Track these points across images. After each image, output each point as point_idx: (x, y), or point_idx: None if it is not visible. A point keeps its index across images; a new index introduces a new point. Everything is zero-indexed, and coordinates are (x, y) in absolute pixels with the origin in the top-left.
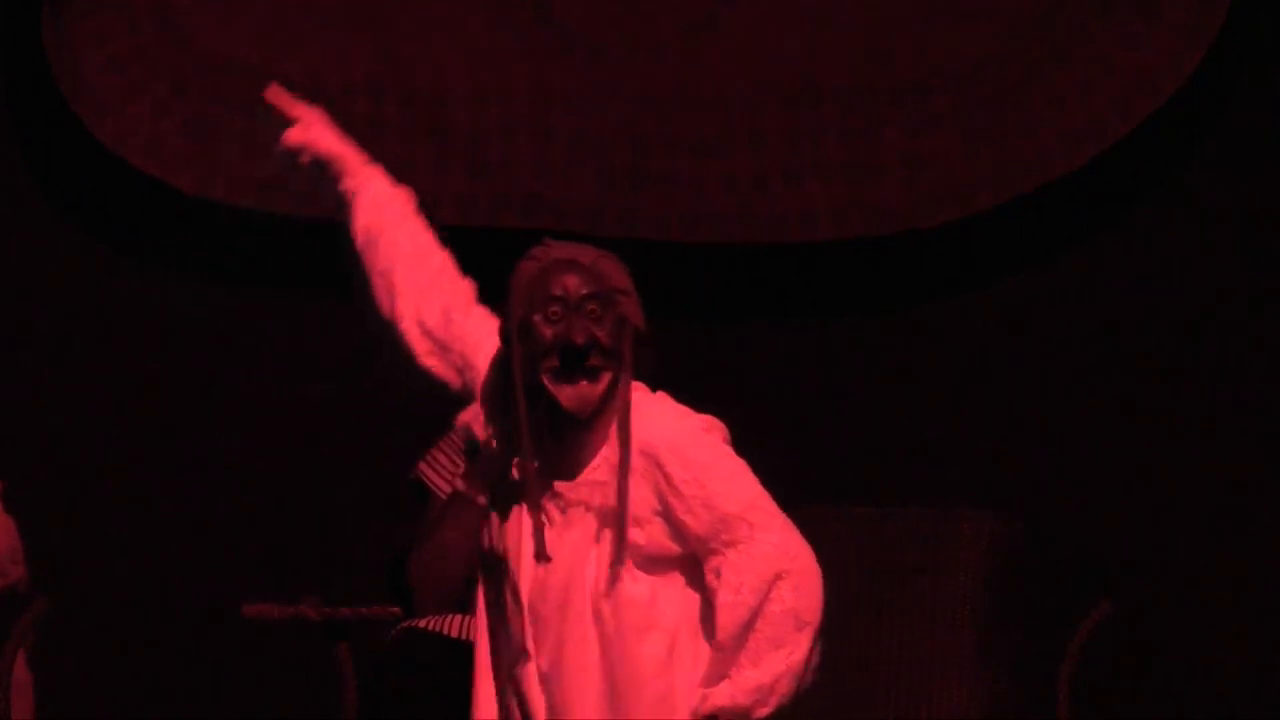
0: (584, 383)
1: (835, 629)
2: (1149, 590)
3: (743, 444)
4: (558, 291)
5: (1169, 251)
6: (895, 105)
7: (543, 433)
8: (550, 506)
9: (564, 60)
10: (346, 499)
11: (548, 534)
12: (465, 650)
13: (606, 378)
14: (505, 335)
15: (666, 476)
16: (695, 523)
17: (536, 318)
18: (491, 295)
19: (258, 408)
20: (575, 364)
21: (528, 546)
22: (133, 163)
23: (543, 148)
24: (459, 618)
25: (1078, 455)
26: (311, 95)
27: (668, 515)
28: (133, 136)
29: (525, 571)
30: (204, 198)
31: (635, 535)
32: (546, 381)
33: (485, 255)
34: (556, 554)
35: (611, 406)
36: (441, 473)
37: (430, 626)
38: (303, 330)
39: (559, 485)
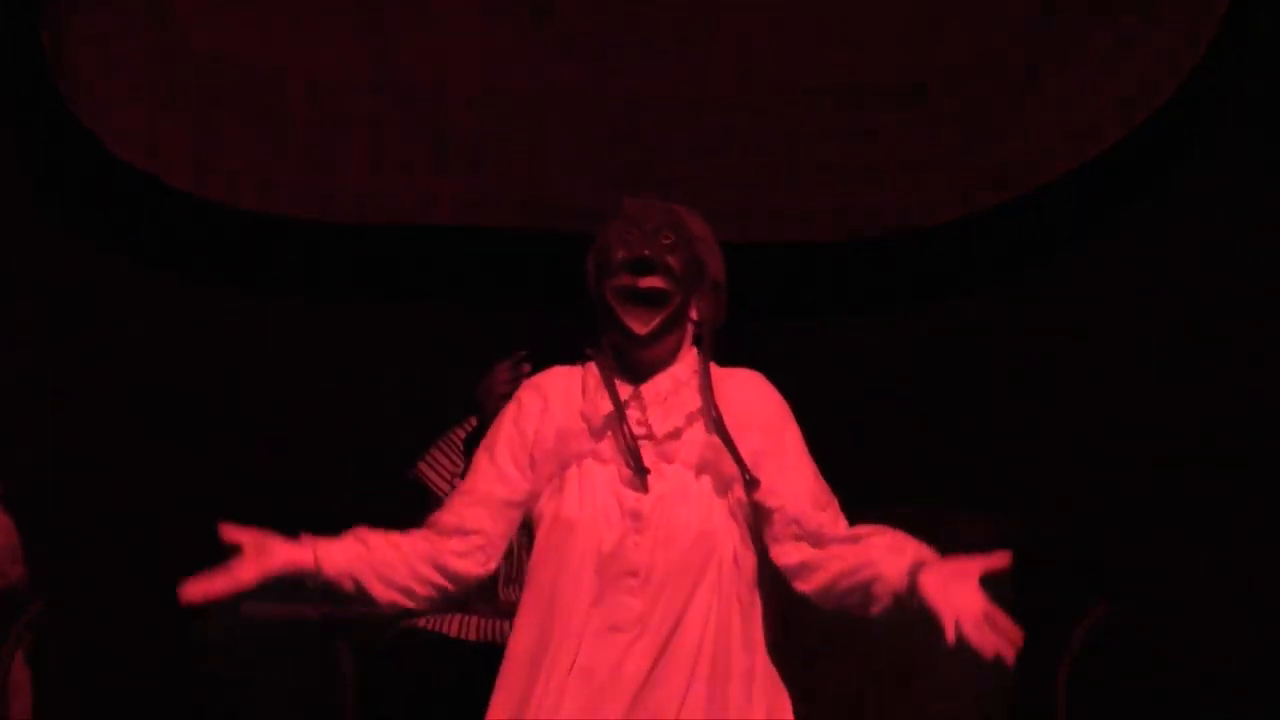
0: (646, 307)
1: (835, 628)
2: (1148, 591)
3: None
4: (635, 218)
5: (1169, 251)
6: (895, 105)
7: (616, 375)
8: (643, 455)
9: (564, 60)
10: (346, 498)
11: (647, 498)
12: (462, 648)
13: (672, 303)
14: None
15: (763, 429)
16: (773, 488)
17: (613, 239)
18: (490, 294)
19: (257, 407)
20: (643, 274)
21: (620, 501)
22: (131, 163)
23: (542, 148)
24: (457, 617)
25: (1078, 455)
26: (311, 95)
27: (751, 465)
28: (132, 136)
29: (620, 530)
30: (203, 197)
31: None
32: (613, 299)
33: (485, 255)
34: (660, 512)
35: (687, 347)
36: (441, 472)
37: (428, 626)
38: (302, 330)
39: (660, 433)
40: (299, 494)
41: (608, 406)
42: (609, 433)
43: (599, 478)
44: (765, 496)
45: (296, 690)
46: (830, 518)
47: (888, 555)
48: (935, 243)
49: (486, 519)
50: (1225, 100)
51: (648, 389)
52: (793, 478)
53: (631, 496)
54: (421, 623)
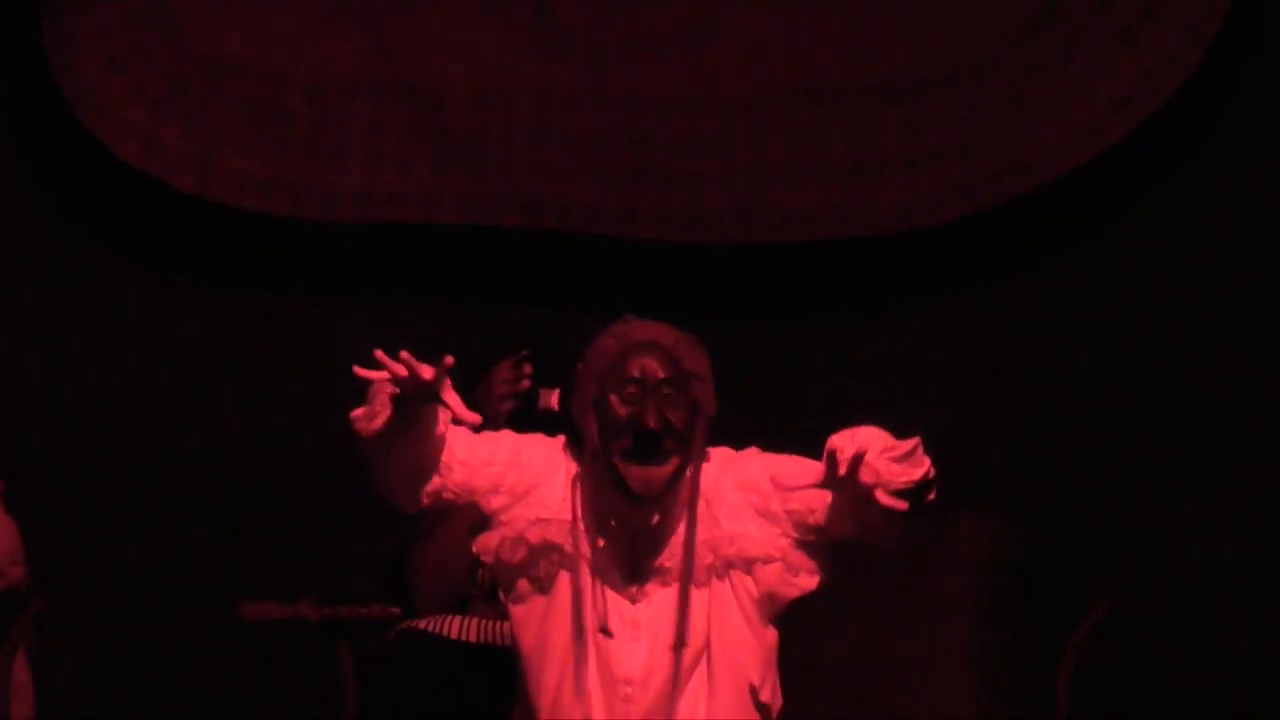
0: (652, 466)
1: (836, 628)
2: (1149, 590)
3: (742, 443)
4: (635, 373)
5: (1169, 251)
6: (895, 105)
7: (615, 508)
8: (640, 574)
9: (564, 60)
10: (346, 499)
11: (642, 606)
12: (463, 650)
13: (675, 461)
14: (579, 408)
15: (758, 485)
16: (799, 502)
17: (613, 397)
18: (490, 294)
19: (257, 407)
20: (648, 447)
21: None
22: (132, 163)
23: (543, 148)
24: (457, 618)
25: (1078, 455)
26: (312, 95)
27: (775, 513)
28: (132, 136)
29: (623, 648)
30: (203, 198)
31: (766, 575)
32: (617, 462)
33: (485, 255)
34: (658, 622)
35: (686, 481)
36: None
37: (429, 627)
38: (302, 330)
39: (658, 561)
40: (299, 494)
41: (607, 526)
42: (608, 549)
43: (598, 586)
44: (807, 519)
45: (296, 690)
46: None
47: None
48: (935, 243)
49: (455, 476)
50: (1227, 98)
51: (645, 512)
52: (800, 489)
53: (629, 608)
54: (422, 624)
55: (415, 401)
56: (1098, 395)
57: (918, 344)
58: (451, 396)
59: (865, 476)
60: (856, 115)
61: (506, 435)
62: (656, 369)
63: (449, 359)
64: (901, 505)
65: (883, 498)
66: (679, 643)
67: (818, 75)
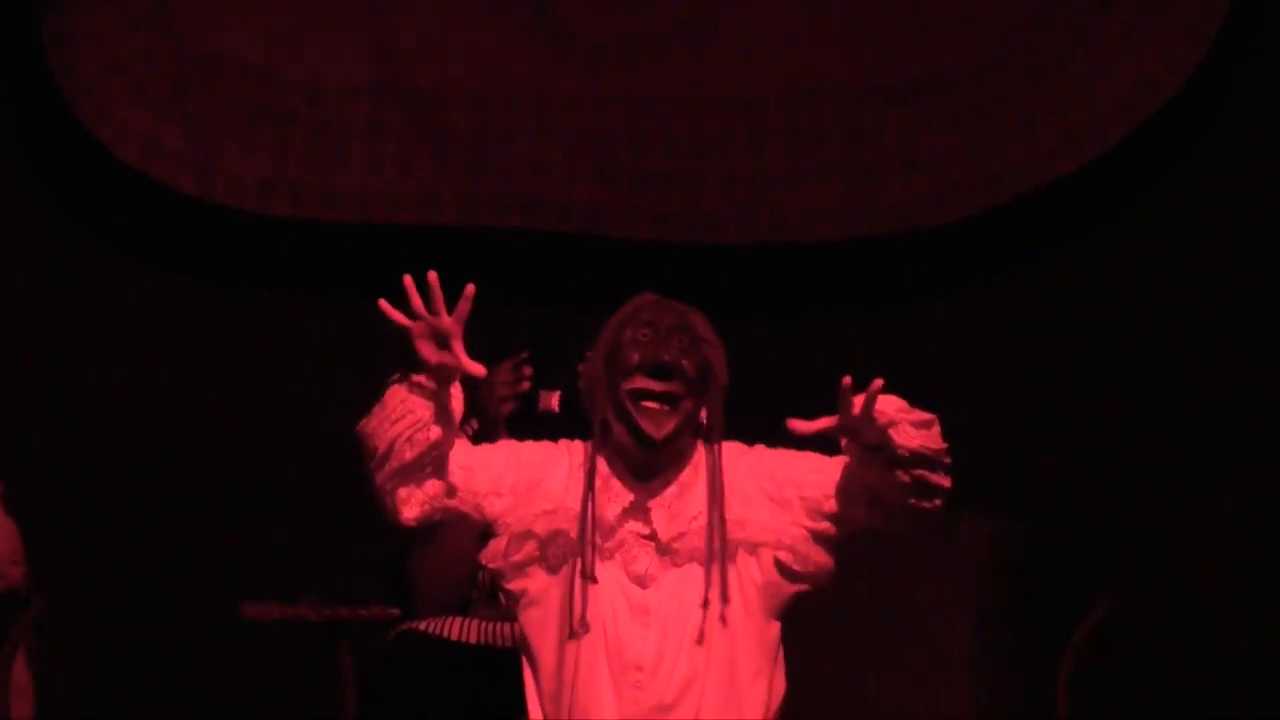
0: (662, 407)
1: (836, 628)
2: (1149, 590)
3: (743, 443)
4: (649, 318)
5: (1169, 251)
6: (895, 105)
7: (623, 489)
8: (648, 557)
9: (564, 60)
10: (346, 499)
11: (652, 591)
12: (463, 651)
13: (685, 408)
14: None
15: (772, 473)
16: (814, 489)
17: (626, 337)
18: (491, 294)
19: (257, 407)
20: (660, 379)
21: (622, 604)
22: (132, 163)
23: (543, 148)
24: (457, 620)
25: (1078, 455)
26: (312, 96)
27: (789, 500)
28: (132, 137)
29: (625, 629)
30: (203, 198)
31: (769, 557)
32: (626, 402)
33: (485, 255)
34: (667, 607)
35: (694, 450)
36: None
37: (429, 628)
38: (302, 330)
39: (665, 538)
40: (299, 494)
41: (616, 507)
42: (616, 532)
43: (607, 573)
44: (822, 506)
45: (296, 690)
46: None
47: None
48: (935, 243)
49: (456, 480)
50: (1227, 98)
51: (654, 491)
52: (813, 478)
53: (639, 593)
54: (422, 625)
55: (431, 372)
56: (1098, 395)
57: (918, 344)
58: (458, 345)
59: (880, 417)
60: (856, 116)
61: (502, 441)
62: (671, 319)
63: (471, 287)
64: (913, 443)
65: (897, 436)
66: (721, 598)
67: (817, 76)
